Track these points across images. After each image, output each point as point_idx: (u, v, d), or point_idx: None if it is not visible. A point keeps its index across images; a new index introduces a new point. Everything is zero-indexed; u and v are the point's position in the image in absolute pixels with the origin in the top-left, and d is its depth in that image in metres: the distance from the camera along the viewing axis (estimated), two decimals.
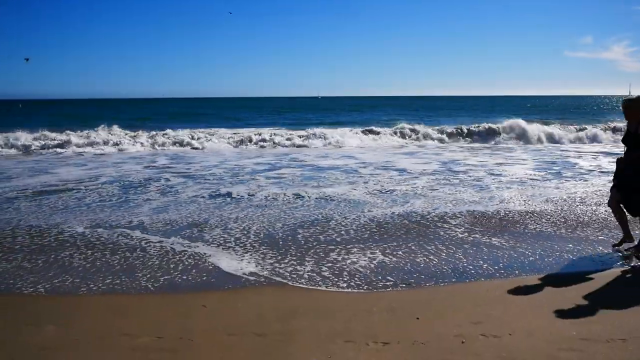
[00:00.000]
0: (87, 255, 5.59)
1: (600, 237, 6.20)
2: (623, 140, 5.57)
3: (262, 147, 18.47)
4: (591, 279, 4.80)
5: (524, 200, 8.40)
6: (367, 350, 3.34)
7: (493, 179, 10.82)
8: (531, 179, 10.79)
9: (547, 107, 69.46)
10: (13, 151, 16.61)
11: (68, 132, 19.15)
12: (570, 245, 5.88)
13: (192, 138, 18.73)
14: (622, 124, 21.53)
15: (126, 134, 19.52)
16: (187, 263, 5.32)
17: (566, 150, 17.54)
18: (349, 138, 19.53)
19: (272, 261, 5.35)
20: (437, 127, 22.33)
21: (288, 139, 19.14)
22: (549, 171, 12.11)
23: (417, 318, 3.84)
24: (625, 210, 5.56)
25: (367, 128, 21.73)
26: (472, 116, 40.08)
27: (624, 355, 3.25)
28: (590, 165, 13.20)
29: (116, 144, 17.68)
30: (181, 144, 18.27)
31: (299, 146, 18.49)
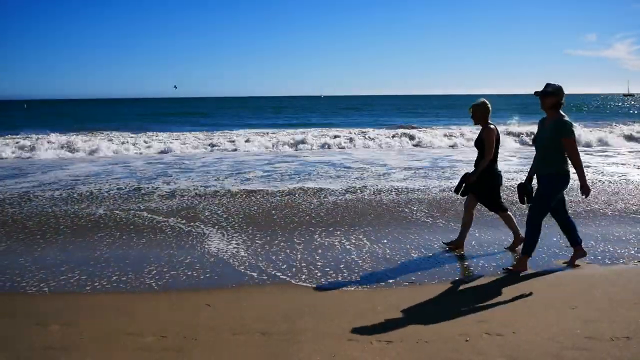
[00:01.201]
0: (95, 242, 5.73)
1: (605, 232, 6.23)
2: (475, 144, 5.59)
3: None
4: (592, 275, 4.80)
5: None
6: (371, 349, 3.35)
7: None
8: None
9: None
10: (20, 151, 16.42)
11: (90, 134, 19.97)
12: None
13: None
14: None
15: (123, 137, 19.60)
16: (191, 255, 5.36)
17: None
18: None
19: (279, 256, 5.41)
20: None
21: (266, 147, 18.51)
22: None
23: (421, 316, 3.85)
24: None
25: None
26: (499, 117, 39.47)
27: (628, 353, 3.24)
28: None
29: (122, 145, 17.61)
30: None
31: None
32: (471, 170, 5.62)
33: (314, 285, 4.65)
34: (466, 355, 3.23)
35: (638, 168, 12.28)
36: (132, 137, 19.96)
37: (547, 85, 4.81)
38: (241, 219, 7.18)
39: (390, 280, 4.76)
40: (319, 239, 6.11)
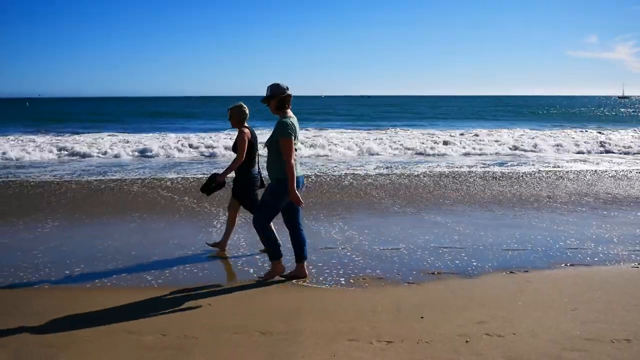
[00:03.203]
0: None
1: (605, 234, 6.24)
2: (232, 148, 5.49)
3: None
4: (592, 277, 4.80)
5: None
6: (370, 349, 3.34)
7: None
8: None
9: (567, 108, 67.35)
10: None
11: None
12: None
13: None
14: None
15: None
16: (193, 249, 5.37)
17: None
18: None
19: None
20: None
21: None
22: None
23: (422, 317, 3.85)
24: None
25: None
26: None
27: (629, 355, 3.24)
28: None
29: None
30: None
31: None
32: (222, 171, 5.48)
33: (313, 285, 4.65)
34: (466, 356, 3.23)
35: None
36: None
37: (267, 88, 4.58)
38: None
39: (390, 280, 4.76)
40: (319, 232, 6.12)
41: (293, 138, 4.44)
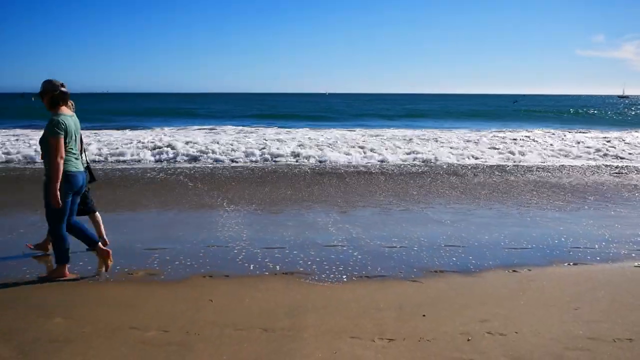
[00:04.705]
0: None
1: (609, 233, 6.23)
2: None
3: None
4: (595, 276, 4.79)
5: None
6: (373, 347, 3.35)
7: None
8: None
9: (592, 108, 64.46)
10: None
11: None
12: (570, 238, 5.91)
13: None
14: None
15: None
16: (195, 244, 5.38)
17: None
18: None
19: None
20: None
21: None
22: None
23: (424, 315, 3.85)
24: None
25: None
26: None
27: (631, 355, 3.25)
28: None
29: None
30: None
31: None
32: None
33: (316, 281, 4.65)
34: (468, 355, 3.24)
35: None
36: None
37: (42, 84, 4.47)
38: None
39: (393, 277, 4.76)
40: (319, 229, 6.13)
41: (62, 136, 4.34)
